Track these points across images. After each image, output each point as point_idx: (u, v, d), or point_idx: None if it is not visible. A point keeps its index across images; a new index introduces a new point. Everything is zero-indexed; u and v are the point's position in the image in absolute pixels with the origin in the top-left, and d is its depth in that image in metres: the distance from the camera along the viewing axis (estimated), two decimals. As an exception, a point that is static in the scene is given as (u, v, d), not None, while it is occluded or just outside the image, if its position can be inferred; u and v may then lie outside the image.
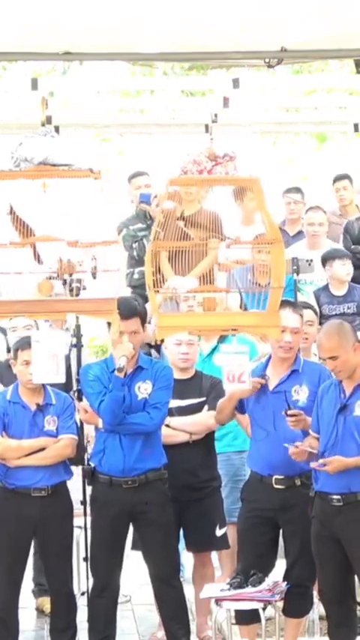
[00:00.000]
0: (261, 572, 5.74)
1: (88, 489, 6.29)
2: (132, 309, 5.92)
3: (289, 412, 5.70)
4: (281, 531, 5.97)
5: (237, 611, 5.80)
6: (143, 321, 6.07)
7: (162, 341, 6.67)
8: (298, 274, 7.09)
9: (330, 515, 5.54)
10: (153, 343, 7.20)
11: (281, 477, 5.85)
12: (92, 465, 6.10)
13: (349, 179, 9.20)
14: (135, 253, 8.48)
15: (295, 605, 5.92)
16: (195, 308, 6.54)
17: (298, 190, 9.23)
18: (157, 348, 7.36)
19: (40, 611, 6.95)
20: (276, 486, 5.86)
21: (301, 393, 5.91)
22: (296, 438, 5.74)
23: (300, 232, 8.90)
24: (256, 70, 8.12)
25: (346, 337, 5.48)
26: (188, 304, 6.62)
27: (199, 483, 6.28)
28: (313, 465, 5.51)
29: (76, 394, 6.29)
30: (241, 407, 6.04)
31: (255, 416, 5.99)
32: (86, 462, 6.28)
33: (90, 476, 6.09)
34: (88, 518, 6.48)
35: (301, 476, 5.83)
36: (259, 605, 5.66)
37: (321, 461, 5.45)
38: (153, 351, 7.34)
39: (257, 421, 5.98)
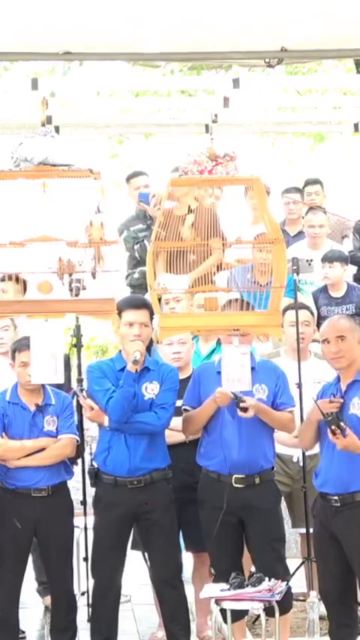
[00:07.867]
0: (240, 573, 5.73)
1: (90, 489, 6.27)
2: (142, 300, 6.02)
3: (240, 405, 5.71)
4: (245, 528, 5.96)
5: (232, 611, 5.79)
6: (150, 317, 6.06)
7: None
8: (298, 274, 7.09)
9: (329, 515, 5.56)
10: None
11: (241, 476, 5.84)
12: (95, 465, 6.08)
13: (320, 184, 9.24)
14: (137, 254, 8.49)
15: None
16: (177, 310, 6.54)
17: (297, 190, 9.23)
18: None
19: (49, 609, 6.91)
20: (235, 485, 5.84)
21: (260, 392, 5.92)
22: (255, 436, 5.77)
23: (301, 232, 8.89)
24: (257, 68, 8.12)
25: (356, 327, 5.63)
26: (170, 307, 6.59)
27: (197, 483, 6.26)
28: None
29: (84, 392, 6.21)
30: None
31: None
32: (90, 463, 6.24)
33: (94, 476, 6.07)
34: (89, 519, 6.47)
35: (260, 474, 5.85)
36: (259, 605, 5.65)
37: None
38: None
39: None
